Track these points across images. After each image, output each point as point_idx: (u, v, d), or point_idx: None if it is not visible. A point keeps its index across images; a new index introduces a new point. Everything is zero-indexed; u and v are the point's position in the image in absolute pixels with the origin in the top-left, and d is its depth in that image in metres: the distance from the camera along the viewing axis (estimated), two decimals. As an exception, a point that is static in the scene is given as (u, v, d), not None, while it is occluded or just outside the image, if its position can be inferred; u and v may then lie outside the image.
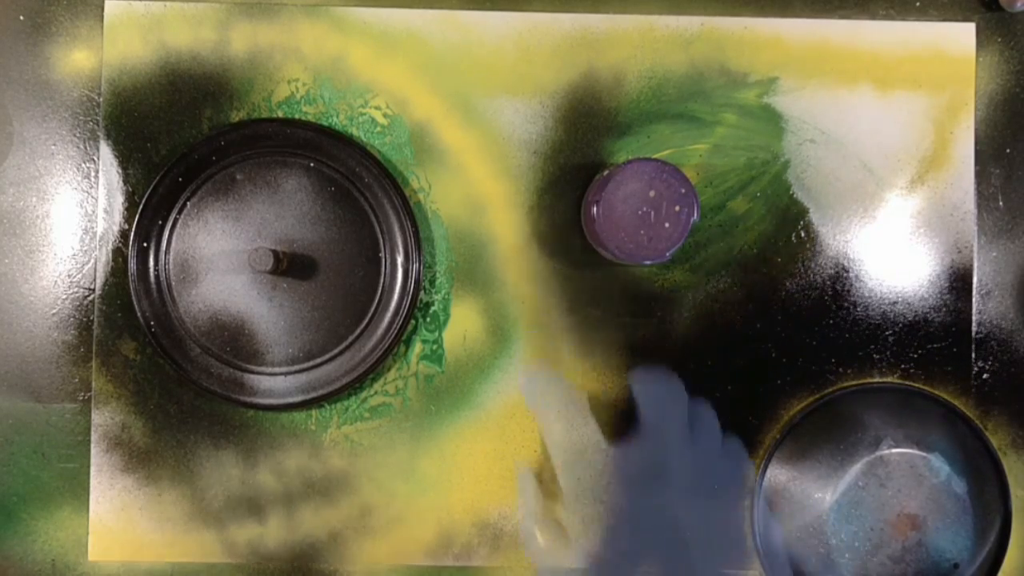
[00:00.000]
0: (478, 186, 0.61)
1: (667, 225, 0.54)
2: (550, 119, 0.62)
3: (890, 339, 0.62)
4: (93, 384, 0.61)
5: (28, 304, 0.61)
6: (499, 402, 0.61)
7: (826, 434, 0.61)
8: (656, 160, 0.55)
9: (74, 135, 0.61)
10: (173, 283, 0.60)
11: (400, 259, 0.60)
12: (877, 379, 0.61)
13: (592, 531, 0.61)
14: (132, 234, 0.59)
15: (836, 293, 0.62)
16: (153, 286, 0.60)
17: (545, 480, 0.61)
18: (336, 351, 0.60)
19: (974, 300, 0.62)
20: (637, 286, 0.61)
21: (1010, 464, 0.61)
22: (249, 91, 0.61)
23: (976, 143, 0.62)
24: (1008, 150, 0.62)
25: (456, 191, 0.61)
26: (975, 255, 0.62)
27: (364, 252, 0.60)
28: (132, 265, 0.59)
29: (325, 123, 0.61)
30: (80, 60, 0.61)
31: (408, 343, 0.61)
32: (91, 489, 0.61)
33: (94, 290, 0.61)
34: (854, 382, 0.61)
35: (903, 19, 0.62)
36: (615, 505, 0.59)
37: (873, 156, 0.62)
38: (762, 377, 0.62)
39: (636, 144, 0.62)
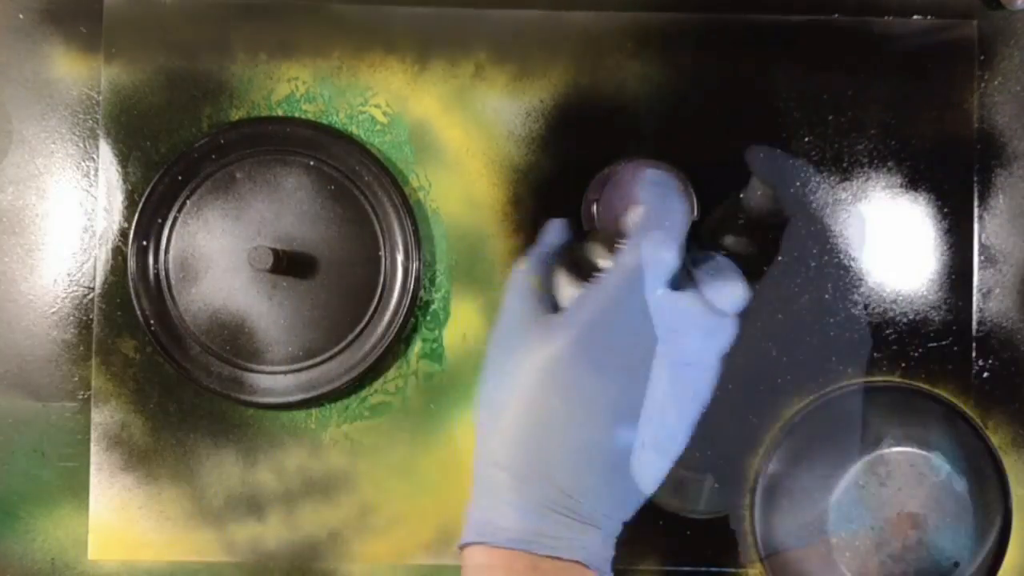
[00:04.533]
0: (478, 184, 0.61)
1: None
2: (550, 118, 0.61)
3: (890, 338, 0.62)
4: (93, 383, 0.61)
5: (27, 303, 0.61)
6: (499, 401, 0.61)
7: (826, 433, 0.61)
8: (655, 158, 0.55)
9: (73, 133, 0.61)
10: (173, 282, 0.60)
11: (400, 257, 0.60)
12: (877, 378, 0.61)
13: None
14: (132, 233, 0.59)
15: (837, 292, 0.62)
16: (153, 285, 0.60)
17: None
18: (336, 350, 0.60)
19: (975, 298, 0.62)
20: (637, 285, 0.61)
21: (1011, 463, 0.61)
22: (249, 89, 0.61)
23: (976, 142, 0.62)
24: (1008, 149, 0.62)
25: (456, 189, 0.61)
26: (975, 254, 0.62)
27: (364, 251, 0.60)
28: (132, 264, 0.59)
29: (325, 121, 0.61)
30: (79, 58, 0.61)
31: (408, 342, 0.61)
32: (91, 488, 0.61)
33: (94, 289, 0.61)
34: (854, 381, 0.61)
35: (904, 16, 0.62)
36: None
37: (874, 155, 0.62)
38: (762, 376, 0.62)
39: (636, 142, 0.61)
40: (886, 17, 0.62)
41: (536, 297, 0.42)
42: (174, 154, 0.60)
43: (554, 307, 0.43)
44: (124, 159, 0.61)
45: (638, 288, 0.40)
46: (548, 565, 0.39)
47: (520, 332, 0.41)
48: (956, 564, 0.60)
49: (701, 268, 0.43)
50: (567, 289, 0.42)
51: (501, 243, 0.61)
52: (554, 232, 0.45)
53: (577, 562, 0.40)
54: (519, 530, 0.39)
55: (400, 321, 0.59)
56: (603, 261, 0.42)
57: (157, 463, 0.61)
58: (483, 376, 0.42)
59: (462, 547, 0.41)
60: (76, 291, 0.61)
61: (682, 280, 0.42)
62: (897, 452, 0.61)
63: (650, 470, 0.42)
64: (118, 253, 0.61)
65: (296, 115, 0.61)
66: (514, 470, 0.40)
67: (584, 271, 0.42)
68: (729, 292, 0.42)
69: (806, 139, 0.62)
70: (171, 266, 0.60)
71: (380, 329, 0.60)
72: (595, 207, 0.55)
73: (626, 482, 0.41)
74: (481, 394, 0.42)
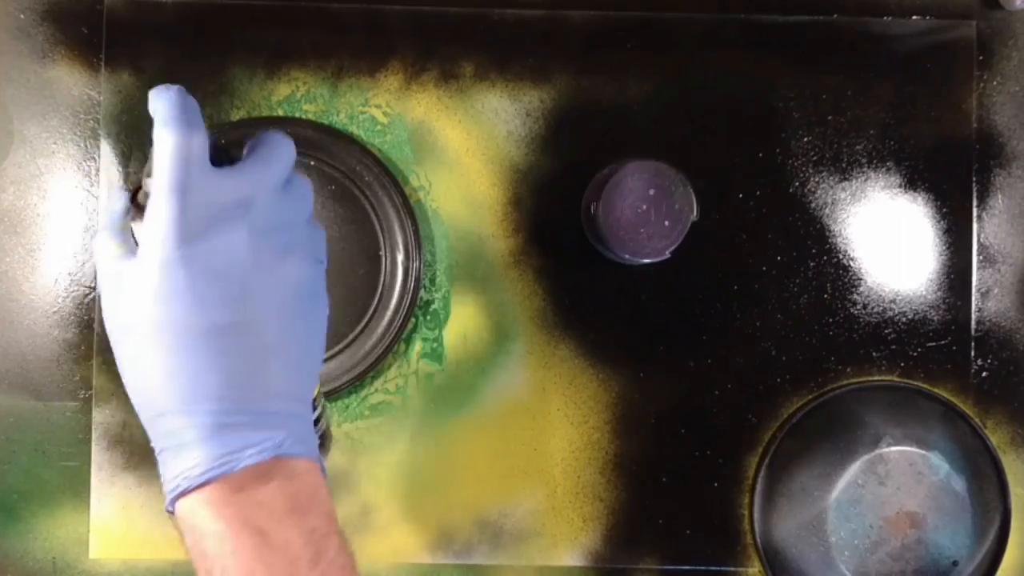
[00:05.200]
0: (478, 184, 0.61)
1: (666, 223, 0.54)
2: (550, 118, 0.62)
3: (890, 337, 0.62)
4: (94, 382, 0.61)
5: (29, 302, 0.61)
6: (499, 400, 0.61)
7: (826, 432, 0.61)
8: (655, 158, 0.55)
9: (75, 133, 0.61)
10: (174, 281, 0.60)
11: (400, 257, 0.60)
12: (877, 377, 0.61)
13: (592, 529, 0.61)
14: (133, 232, 0.59)
15: (836, 292, 0.62)
16: (154, 284, 0.60)
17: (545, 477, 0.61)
18: (336, 349, 0.60)
19: (973, 298, 0.62)
20: (637, 284, 0.61)
21: (1009, 462, 0.61)
22: (249, 90, 0.61)
23: (975, 142, 0.62)
24: (1007, 149, 0.62)
25: (456, 189, 0.61)
26: (974, 254, 0.62)
27: (364, 250, 0.60)
28: (133, 263, 0.59)
29: (325, 122, 0.61)
30: (81, 58, 0.61)
31: (408, 341, 0.61)
32: (92, 487, 0.61)
33: (95, 288, 0.61)
34: (854, 380, 0.61)
35: (904, 16, 0.62)
36: None
37: (873, 154, 0.62)
38: (762, 376, 0.62)
39: (636, 142, 0.62)
40: (886, 17, 0.62)
41: (123, 255, 0.41)
42: (175, 154, 0.60)
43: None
44: (125, 159, 0.61)
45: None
46: (249, 477, 0.39)
47: (127, 287, 0.40)
48: (955, 563, 0.61)
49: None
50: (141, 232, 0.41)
51: (501, 243, 0.61)
52: (112, 201, 0.43)
53: (277, 458, 0.39)
54: (207, 461, 0.38)
55: (400, 321, 0.59)
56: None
57: (158, 462, 0.61)
58: (120, 343, 0.41)
59: (171, 513, 0.40)
60: (77, 291, 0.61)
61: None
62: (896, 451, 0.61)
63: (288, 337, 0.41)
64: (119, 253, 0.61)
65: (296, 115, 0.61)
66: (171, 407, 0.39)
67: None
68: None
69: (806, 139, 0.62)
70: (172, 266, 0.60)
71: (380, 328, 0.60)
72: (595, 206, 0.55)
73: (280, 360, 0.40)
74: (122, 359, 0.40)
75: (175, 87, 0.41)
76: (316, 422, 0.47)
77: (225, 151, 0.42)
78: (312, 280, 0.43)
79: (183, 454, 0.39)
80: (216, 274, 0.39)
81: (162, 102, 0.40)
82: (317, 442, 0.43)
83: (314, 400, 0.46)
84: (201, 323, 0.39)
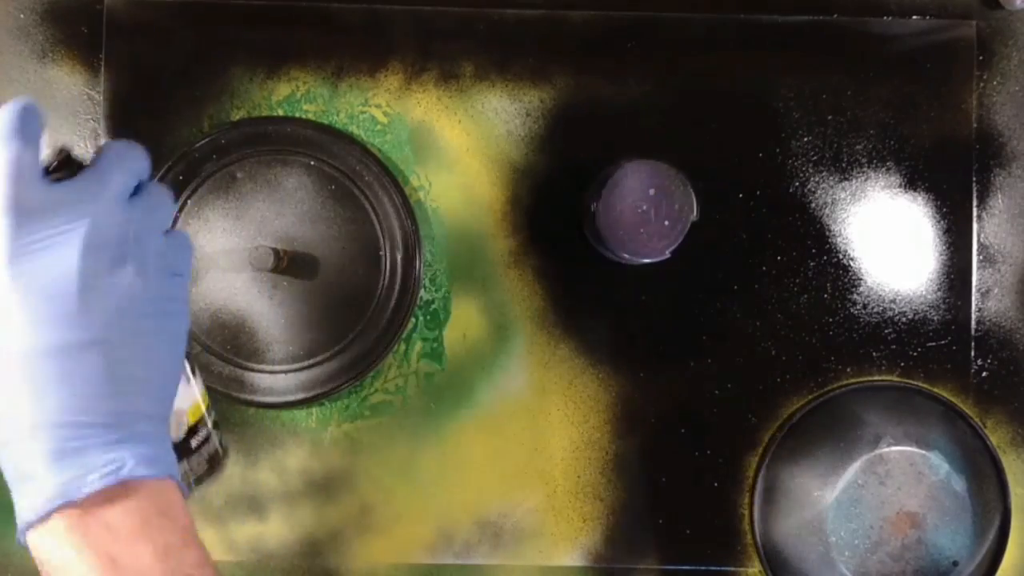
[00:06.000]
0: (478, 184, 0.61)
1: (666, 223, 0.54)
2: (550, 118, 0.62)
3: (890, 337, 0.62)
4: (94, 382, 0.61)
5: (29, 302, 0.61)
6: (499, 400, 0.61)
7: (826, 432, 0.61)
8: (655, 158, 0.55)
9: (75, 133, 0.61)
10: (174, 281, 0.60)
11: (400, 257, 0.60)
12: (877, 377, 0.62)
13: (592, 528, 0.61)
14: (133, 232, 0.59)
15: (836, 292, 0.62)
16: (154, 284, 0.60)
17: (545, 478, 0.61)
18: (336, 349, 0.60)
19: (973, 298, 0.62)
20: (637, 284, 0.61)
21: (1009, 462, 0.61)
22: (249, 89, 0.61)
23: (975, 142, 0.62)
24: (1007, 149, 0.62)
25: (456, 189, 0.61)
26: (974, 254, 0.62)
27: (364, 250, 0.60)
28: (133, 263, 0.59)
29: (325, 122, 0.61)
30: (80, 58, 0.61)
31: (408, 341, 0.61)
32: (92, 487, 0.61)
33: (95, 288, 0.61)
34: (854, 380, 0.61)
35: (904, 16, 0.62)
36: None
37: (873, 154, 0.62)
38: (762, 375, 0.62)
39: (636, 142, 0.62)
40: (886, 17, 0.62)
41: None
42: (175, 154, 0.60)
43: None
44: (125, 159, 0.61)
45: None
46: (95, 502, 0.37)
47: None
48: (955, 563, 0.61)
49: None
50: None
51: (501, 243, 0.61)
52: None
53: (125, 481, 0.37)
54: (50, 490, 0.36)
55: (400, 320, 0.59)
56: None
57: (158, 462, 0.61)
58: None
59: (23, 544, 0.39)
60: (77, 291, 0.61)
61: None
62: (896, 451, 0.61)
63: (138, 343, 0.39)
64: (119, 253, 0.61)
65: (296, 115, 0.61)
66: (14, 436, 0.37)
67: None
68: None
69: (806, 139, 0.62)
70: (172, 266, 0.60)
71: (380, 328, 0.60)
72: (595, 206, 0.55)
73: (127, 379, 0.38)
74: None
75: (21, 101, 0.39)
76: (199, 442, 0.46)
77: (76, 163, 0.40)
78: (163, 294, 0.40)
79: (28, 484, 0.37)
80: (50, 293, 0.37)
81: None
82: (174, 459, 0.41)
83: (198, 421, 0.45)
84: (36, 345, 0.37)
